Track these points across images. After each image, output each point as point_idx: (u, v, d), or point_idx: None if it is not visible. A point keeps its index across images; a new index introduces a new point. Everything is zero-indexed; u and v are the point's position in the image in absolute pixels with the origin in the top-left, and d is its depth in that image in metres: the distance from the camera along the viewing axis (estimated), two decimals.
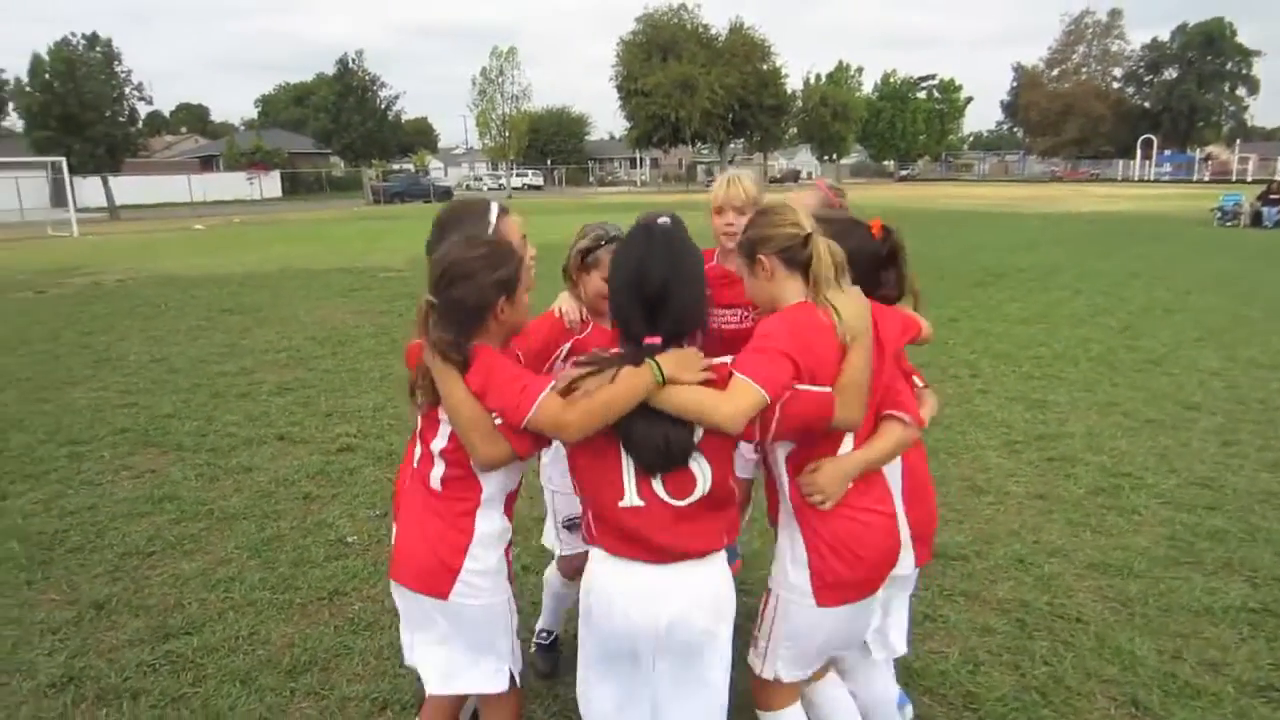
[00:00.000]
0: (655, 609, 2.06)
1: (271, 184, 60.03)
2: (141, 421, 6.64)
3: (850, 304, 2.13)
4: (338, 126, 51.79)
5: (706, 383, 2.00)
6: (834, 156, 76.84)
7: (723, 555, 2.15)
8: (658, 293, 2.01)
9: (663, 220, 2.09)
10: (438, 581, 2.19)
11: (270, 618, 3.71)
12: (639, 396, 1.98)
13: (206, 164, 66.89)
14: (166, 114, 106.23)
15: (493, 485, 2.22)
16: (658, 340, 2.02)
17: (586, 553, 2.21)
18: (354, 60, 51.99)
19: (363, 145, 52.28)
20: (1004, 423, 6.28)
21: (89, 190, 43.42)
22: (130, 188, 46.71)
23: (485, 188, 69.31)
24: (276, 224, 33.16)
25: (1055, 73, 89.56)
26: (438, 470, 2.22)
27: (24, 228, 32.27)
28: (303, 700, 3.15)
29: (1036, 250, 17.83)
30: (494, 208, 2.49)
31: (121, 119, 39.89)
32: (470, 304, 2.10)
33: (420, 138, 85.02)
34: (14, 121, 49.76)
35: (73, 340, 9.91)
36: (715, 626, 2.12)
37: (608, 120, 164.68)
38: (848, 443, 2.19)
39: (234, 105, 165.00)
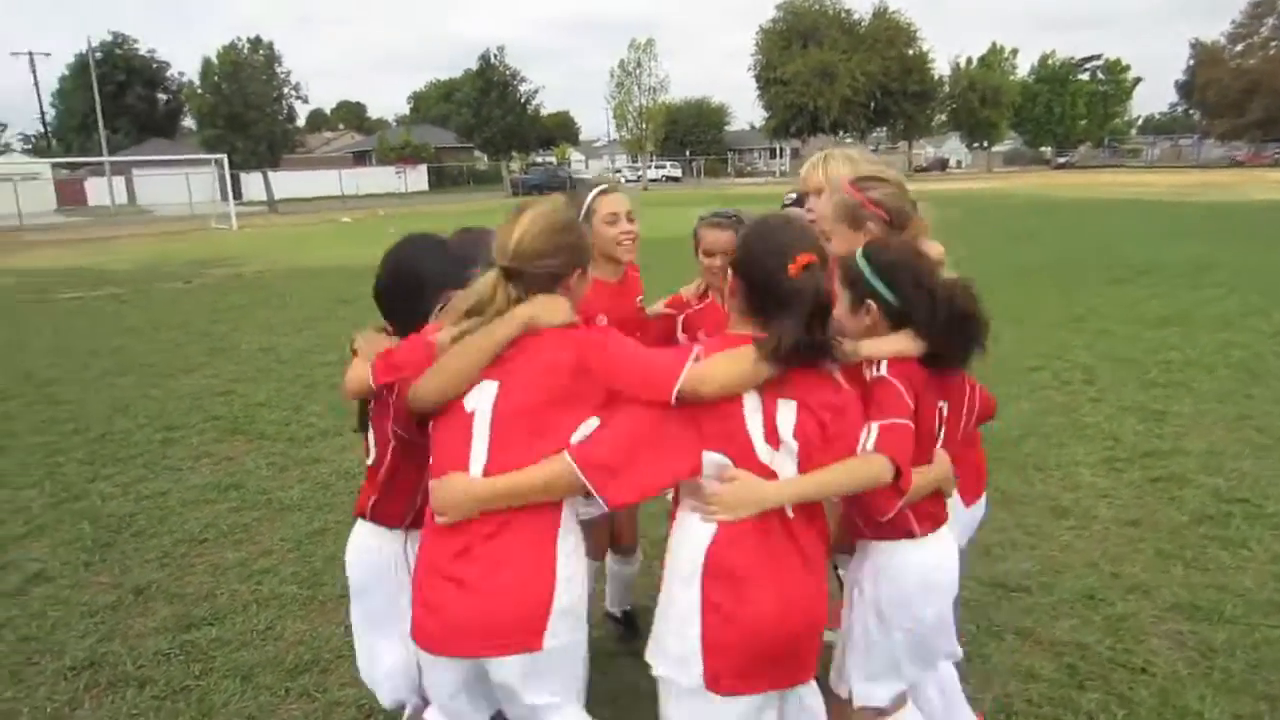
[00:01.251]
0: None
1: (419, 177, 62.49)
2: (235, 409, 6.93)
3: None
4: (479, 121, 53.40)
5: None
6: (985, 144, 73.28)
7: None
8: None
9: None
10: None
11: (290, 614, 3.74)
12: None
13: (360, 159, 70.35)
14: (327, 111, 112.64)
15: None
16: None
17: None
18: (496, 56, 53.47)
19: (502, 139, 53.73)
20: (1110, 435, 5.70)
21: (252, 185, 46.46)
22: (289, 182, 49.68)
23: (623, 180, 70.03)
24: (418, 216, 34.47)
25: (1239, 48, 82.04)
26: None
27: (191, 220, 34.87)
28: (294, 702, 3.13)
29: (1192, 242, 16.33)
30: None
31: (280, 117, 42.42)
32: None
33: (562, 131, 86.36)
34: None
35: (199, 329, 10.52)
36: None
37: (747, 111, 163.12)
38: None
39: (390, 102, 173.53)
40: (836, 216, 2.38)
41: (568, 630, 1.96)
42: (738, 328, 2.01)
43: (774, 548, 1.92)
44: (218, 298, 13.28)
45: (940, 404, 2.24)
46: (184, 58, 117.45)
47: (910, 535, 2.19)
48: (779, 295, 1.90)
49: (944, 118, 71.42)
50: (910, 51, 62.97)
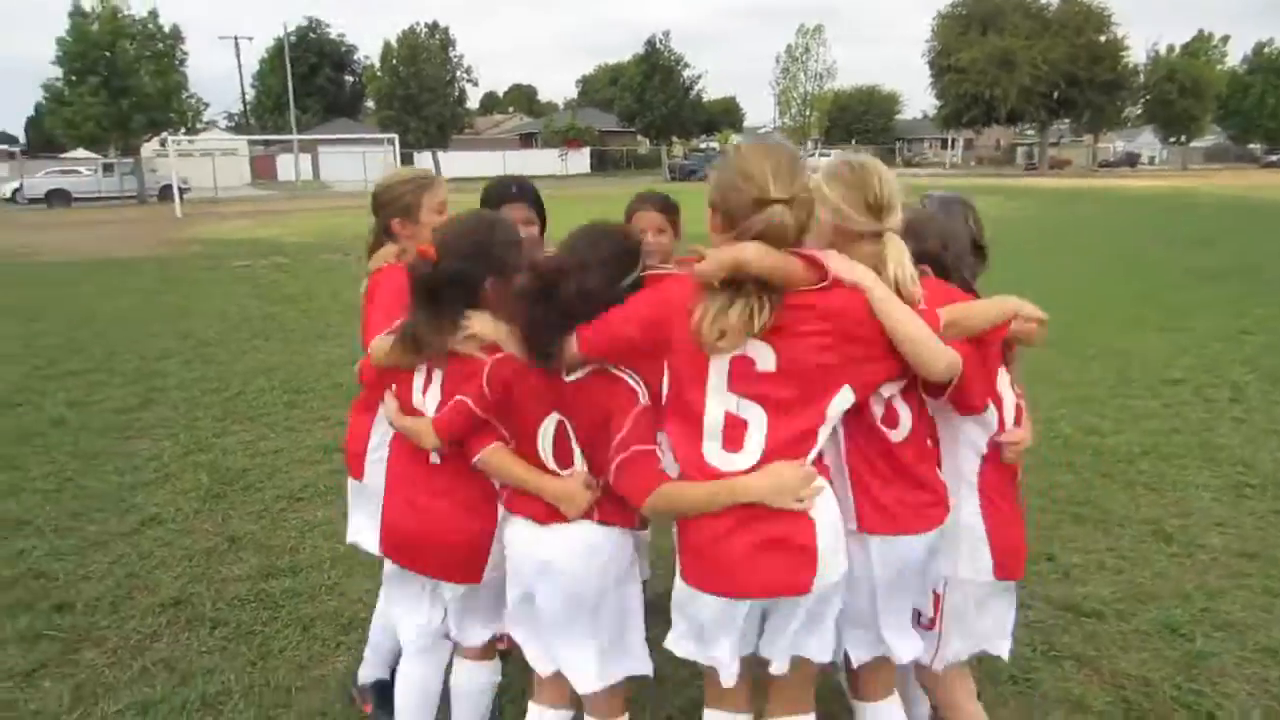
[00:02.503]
0: None
1: (581, 160, 63.83)
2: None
3: None
4: (641, 106, 53.95)
5: None
6: (1183, 139, 67.60)
7: None
8: None
9: None
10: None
11: (358, 571, 3.95)
12: None
13: (527, 141, 72.55)
14: (500, 94, 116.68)
15: None
16: None
17: None
18: (661, 41, 53.87)
19: (663, 124, 54.10)
20: (1244, 461, 5.20)
21: (423, 164, 48.76)
22: (457, 162, 51.78)
23: None
24: (572, 198, 35.20)
25: None
26: None
27: (364, 196, 36.48)
28: (343, 654, 3.33)
29: None
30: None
31: (451, 99, 44.33)
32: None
33: (726, 116, 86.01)
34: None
35: (345, 300, 11.18)
36: None
37: (921, 99, 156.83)
38: None
39: (560, 86, 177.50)
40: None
41: None
42: None
43: None
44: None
45: None
46: (371, 41, 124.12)
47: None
48: None
49: (1137, 110, 66.31)
50: (1102, 38, 58.80)
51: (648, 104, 53.85)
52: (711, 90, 65.15)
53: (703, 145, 72.78)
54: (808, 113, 55.02)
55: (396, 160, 35.09)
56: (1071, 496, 4.65)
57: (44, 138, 51.41)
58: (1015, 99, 57.02)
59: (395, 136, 37.19)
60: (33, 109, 41.23)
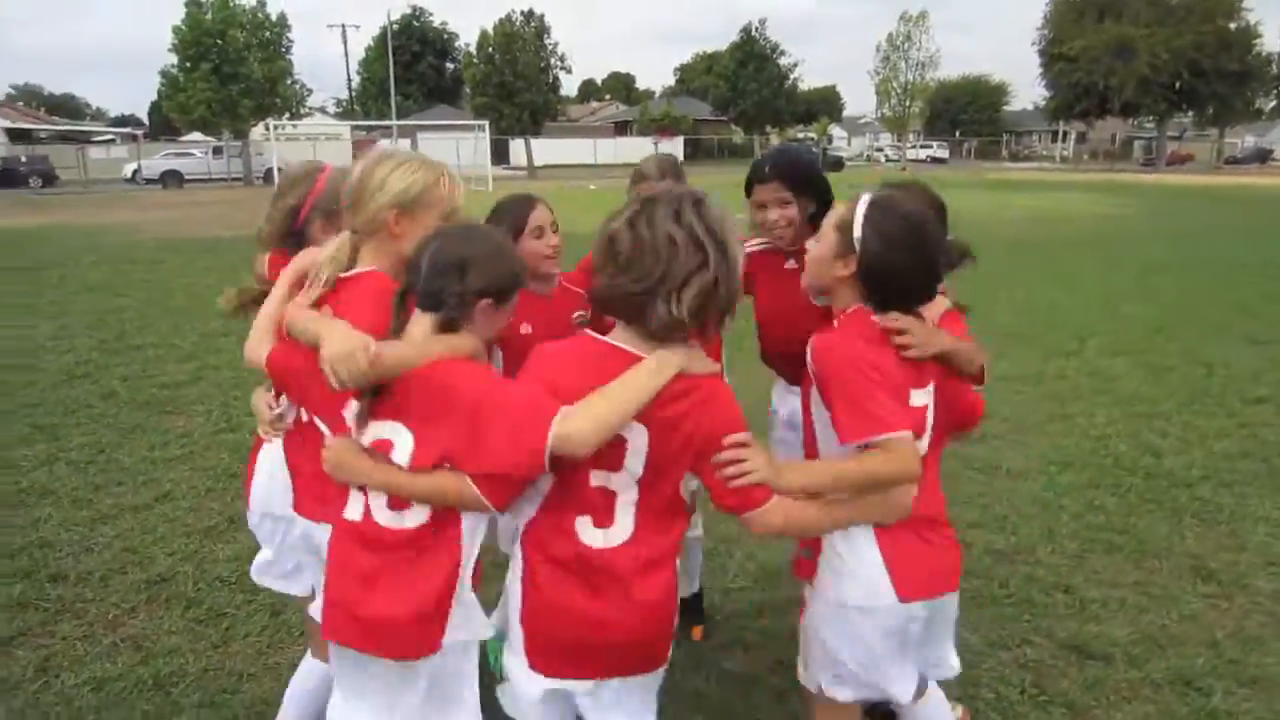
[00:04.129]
0: None
1: (674, 149, 63.56)
2: None
3: None
4: (735, 94, 53.34)
5: None
6: None
7: None
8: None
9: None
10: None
11: None
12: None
13: (621, 129, 72.65)
14: (598, 82, 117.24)
15: None
16: None
17: None
18: (757, 29, 53.10)
19: (756, 112, 53.37)
20: None
21: (517, 151, 49.35)
22: (550, 149, 52.37)
23: (884, 159, 67.48)
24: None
25: None
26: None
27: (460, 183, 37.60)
28: (302, 642, 3.29)
29: None
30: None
31: (545, 87, 44.69)
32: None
33: (825, 105, 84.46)
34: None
35: None
36: None
37: (1030, 90, 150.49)
38: None
39: (658, 74, 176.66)
40: None
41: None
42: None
43: None
44: None
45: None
46: (472, 30, 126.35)
47: None
48: None
49: (1271, 102, 62.13)
50: (1231, 25, 55.25)
51: (741, 92, 53.20)
52: (811, 79, 63.96)
53: (799, 135, 71.65)
54: (908, 103, 53.40)
55: (487, 146, 35.61)
56: (1108, 523, 4.29)
57: (162, 122, 54.04)
58: (1132, 90, 54.12)
59: (486, 123, 37.69)
60: (155, 94, 43.16)
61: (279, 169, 33.34)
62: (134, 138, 53.31)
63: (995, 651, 3.23)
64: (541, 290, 2.63)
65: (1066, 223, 19.12)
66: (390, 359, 1.78)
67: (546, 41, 44.25)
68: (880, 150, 71.80)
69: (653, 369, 1.73)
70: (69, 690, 3.02)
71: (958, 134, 71.42)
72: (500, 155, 54.68)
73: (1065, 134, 74.28)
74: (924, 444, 1.99)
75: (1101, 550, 4.02)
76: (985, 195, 28.21)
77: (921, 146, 65.93)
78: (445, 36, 70.70)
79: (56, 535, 4.22)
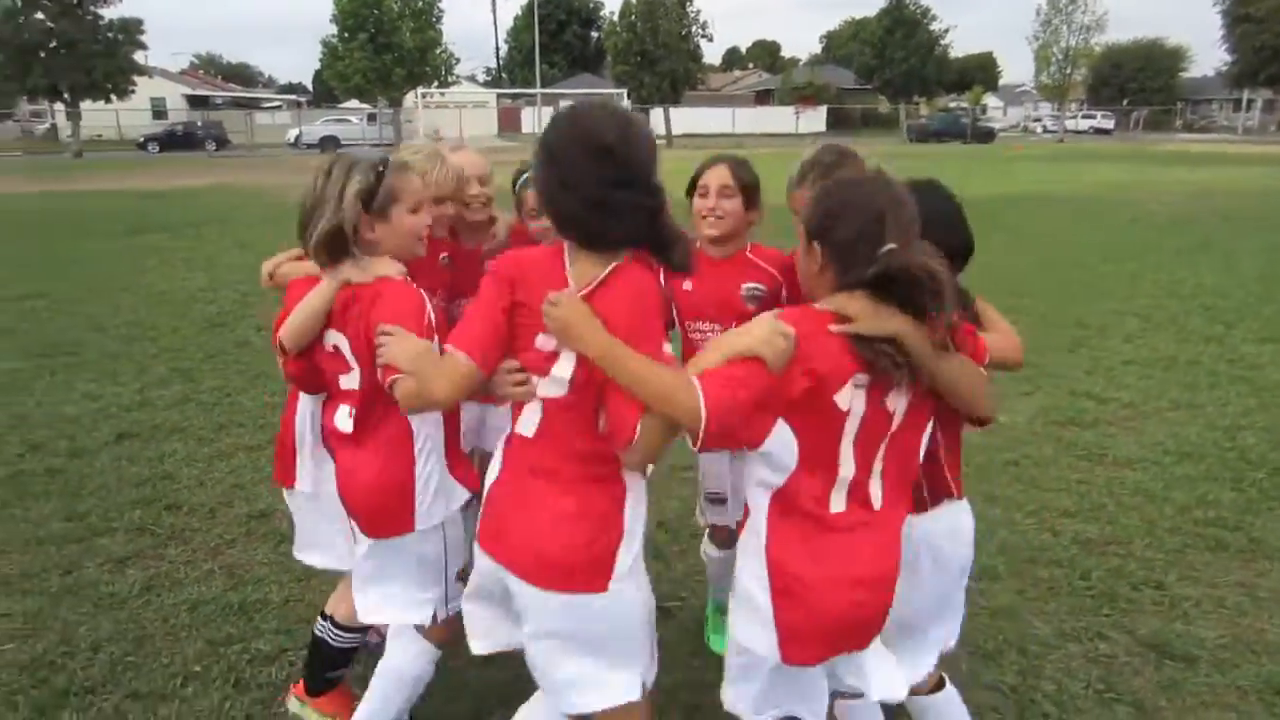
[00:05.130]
0: None
1: (817, 119, 62.08)
2: None
3: None
4: (882, 61, 51.51)
5: None
6: None
7: None
8: None
9: None
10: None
11: None
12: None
13: (763, 98, 71.46)
14: (743, 50, 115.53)
15: None
16: None
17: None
18: None
19: (904, 81, 51.36)
20: None
21: (658, 119, 49.31)
22: (690, 118, 52.08)
23: (1041, 130, 63.79)
24: (798, 157, 34.43)
25: None
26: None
27: None
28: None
29: None
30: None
31: (685, 55, 44.43)
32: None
33: (981, 74, 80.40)
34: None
35: None
36: None
37: (1210, 55, 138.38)
38: None
39: (805, 41, 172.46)
40: None
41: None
42: None
43: None
44: None
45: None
46: None
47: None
48: None
49: None
50: None
51: (888, 60, 51.29)
52: (966, 45, 60.86)
53: (951, 104, 68.54)
54: (1068, 70, 50.15)
55: None
56: (1218, 518, 3.99)
57: (324, 89, 56.89)
58: None
59: (624, 92, 37.89)
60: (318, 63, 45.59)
61: (430, 136, 34.68)
62: (298, 104, 56.42)
63: (1065, 644, 3.08)
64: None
65: (1234, 199, 17.59)
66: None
67: (689, 9, 43.93)
68: (1038, 120, 67.86)
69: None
70: (167, 608, 3.30)
71: (1125, 103, 66.57)
72: None
73: (1249, 102, 68.03)
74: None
75: (1205, 547, 3.74)
76: (1146, 169, 26.28)
77: (1084, 116, 61.93)
78: (591, 5, 71.30)
79: (178, 469, 4.59)
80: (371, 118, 43.85)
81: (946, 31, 53.03)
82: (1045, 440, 4.92)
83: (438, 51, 41.15)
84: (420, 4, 40.25)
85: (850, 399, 1.70)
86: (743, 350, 1.65)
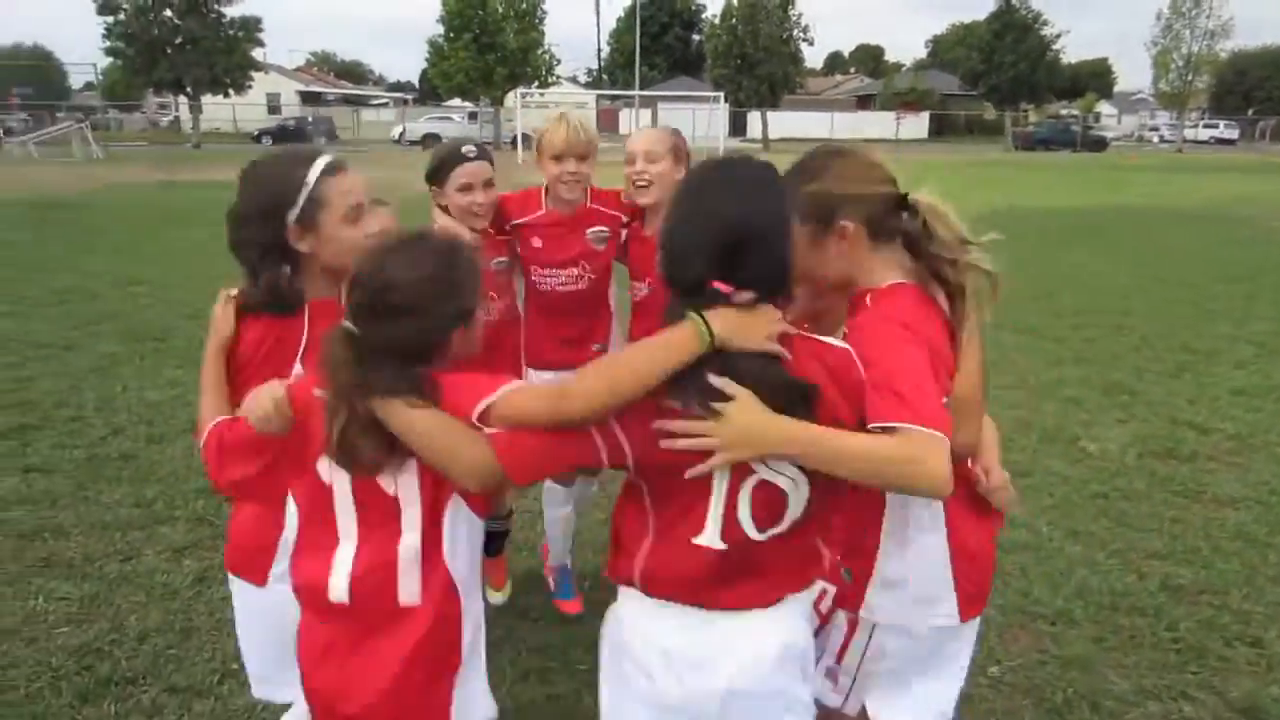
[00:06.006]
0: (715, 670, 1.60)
1: (919, 125, 60.61)
2: None
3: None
4: (988, 67, 49.89)
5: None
6: None
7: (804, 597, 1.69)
8: (740, 237, 1.50)
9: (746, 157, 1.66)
10: None
11: None
12: (663, 364, 1.46)
13: (863, 103, 70.16)
14: (845, 54, 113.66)
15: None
16: (730, 289, 1.48)
17: None
18: None
19: (1011, 87, 49.61)
20: None
21: (755, 122, 48.98)
22: (786, 121, 51.51)
23: (1157, 139, 60.86)
24: (896, 164, 33.18)
25: None
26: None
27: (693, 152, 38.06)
28: None
29: None
30: (317, 165, 1.88)
31: (785, 58, 43.97)
32: (418, 340, 1.59)
33: (1093, 80, 77.29)
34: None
35: None
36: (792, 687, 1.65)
37: None
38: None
39: (909, 46, 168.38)
40: (668, 149, 2.87)
41: None
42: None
43: None
44: None
45: None
46: (719, 1, 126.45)
47: None
48: None
49: None
50: None
51: (995, 65, 49.58)
52: (1079, 51, 58.42)
53: (1062, 111, 66.00)
54: (1189, 77, 47.65)
55: (722, 118, 35.63)
56: None
57: (429, 88, 58.35)
58: None
59: (721, 95, 37.69)
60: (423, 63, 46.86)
61: (527, 135, 35.16)
62: (404, 102, 58.03)
63: (1144, 701, 2.82)
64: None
65: None
66: None
67: (791, 12, 43.43)
68: (1154, 129, 64.80)
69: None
70: (215, 602, 3.32)
71: (1250, 112, 62.95)
72: (738, 127, 54.47)
73: None
74: None
75: None
76: (1271, 182, 24.72)
77: (1205, 126, 58.79)
78: (694, 8, 71.26)
79: None
80: (472, 116, 44.81)
81: (1059, 36, 51.02)
82: (1138, 473, 4.59)
83: (539, 52, 41.72)
84: (524, 5, 40.88)
85: None
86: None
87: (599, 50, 71.78)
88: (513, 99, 39.95)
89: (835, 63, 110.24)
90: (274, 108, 52.44)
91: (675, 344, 1.46)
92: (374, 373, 1.55)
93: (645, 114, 56.37)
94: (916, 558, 1.82)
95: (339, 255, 1.86)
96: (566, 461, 1.58)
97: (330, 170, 1.89)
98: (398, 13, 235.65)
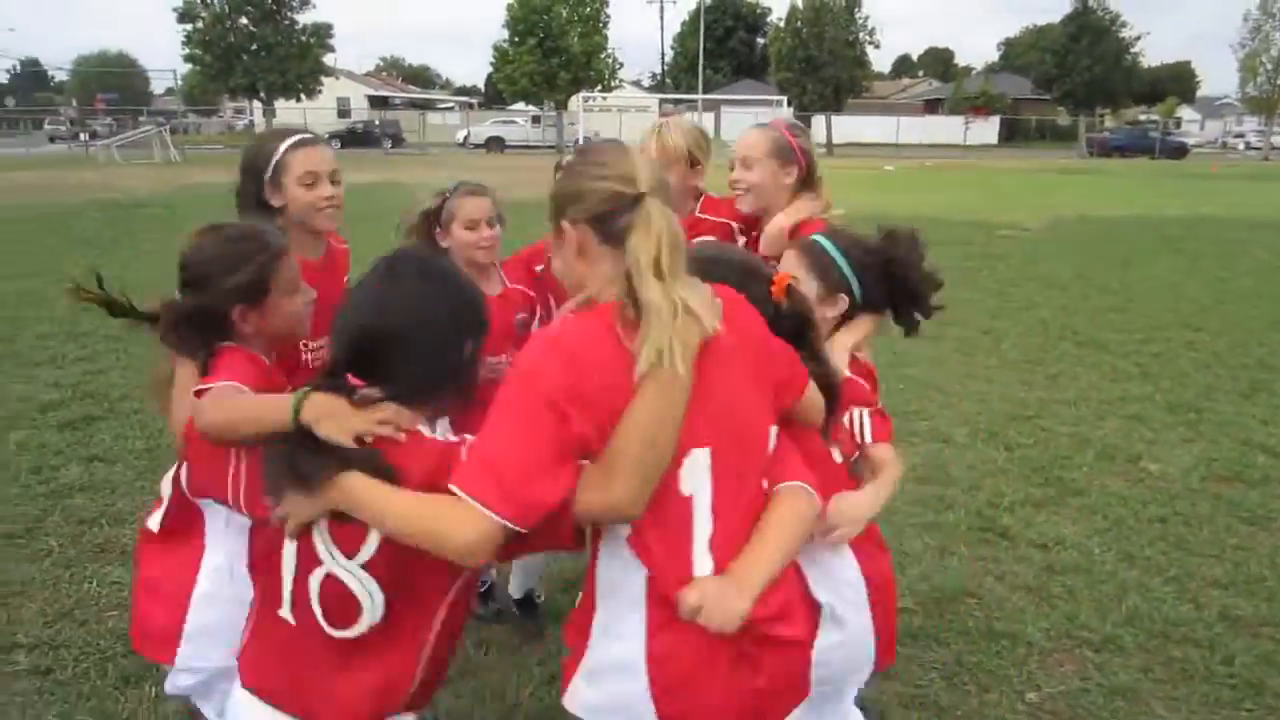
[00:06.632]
0: None
1: (988, 130, 59.39)
2: None
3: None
4: (1063, 70, 48.57)
5: (377, 460, 1.43)
6: None
7: None
8: (374, 338, 1.52)
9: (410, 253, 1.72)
10: None
11: None
12: (263, 424, 1.49)
13: (931, 107, 68.99)
14: (914, 57, 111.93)
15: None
16: (360, 384, 1.50)
17: None
18: None
19: (1086, 91, 48.21)
20: None
21: (819, 126, 48.54)
22: (851, 126, 50.94)
23: (1243, 145, 58.63)
24: (962, 169, 33.08)
25: None
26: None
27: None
28: None
29: None
30: (288, 140, 2.35)
31: (850, 61, 43.52)
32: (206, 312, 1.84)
33: (1175, 84, 74.84)
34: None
35: None
36: None
37: None
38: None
39: (981, 49, 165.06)
40: (768, 150, 2.56)
41: None
42: None
43: None
44: None
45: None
46: (784, 4, 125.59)
47: None
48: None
49: None
50: None
51: (1070, 68, 48.19)
52: (1160, 54, 56.53)
53: (1140, 117, 64.03)
54: (1278, 80, 45.75)
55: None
56: None
57: (494, 92, 59.15)
58: None
59: (784, 99, 37.45)
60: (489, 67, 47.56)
61: (590, 138, 35.47)
62: (469, 106, 58.84)
63: None
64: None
65: None
66: None
67: (857, 15, 42.99)
68: (1240, 136, 62.41)
69: None
70: None
71: None
72: None
73: None
74: None
75: None
76: None
77: None
78: (758, 11, 71.04)
79: None
80: (536, 120, 45.27)
81: (1138, 39, 49.41)
82: (1202, 496, 4.40)
83: (602, 56, 42.05)
84: (588, 10, 41.21)
85: None
86: None
87: (662, 54, 72.01)
88: (576, 102, 40.27)
89: (903, 66, 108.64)
90: (343, 112, 53.68)
91: (276, 407, 1.47)
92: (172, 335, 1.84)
93: (708, 118, 56.36)
94: (616, 653, 1.51)
95: (300, 212, 2.33)
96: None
97: (296, 145, 2.32)
98: (465, 18, 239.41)
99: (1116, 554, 3.76)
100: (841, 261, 2.06)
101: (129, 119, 43.17)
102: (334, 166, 2.37)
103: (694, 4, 68.63)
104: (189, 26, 39.89)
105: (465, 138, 45.17)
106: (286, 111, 45.26)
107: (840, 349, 2.00)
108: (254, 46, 39.83)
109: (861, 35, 43.63)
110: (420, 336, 1.52)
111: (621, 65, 45.07)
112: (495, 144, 43.00)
